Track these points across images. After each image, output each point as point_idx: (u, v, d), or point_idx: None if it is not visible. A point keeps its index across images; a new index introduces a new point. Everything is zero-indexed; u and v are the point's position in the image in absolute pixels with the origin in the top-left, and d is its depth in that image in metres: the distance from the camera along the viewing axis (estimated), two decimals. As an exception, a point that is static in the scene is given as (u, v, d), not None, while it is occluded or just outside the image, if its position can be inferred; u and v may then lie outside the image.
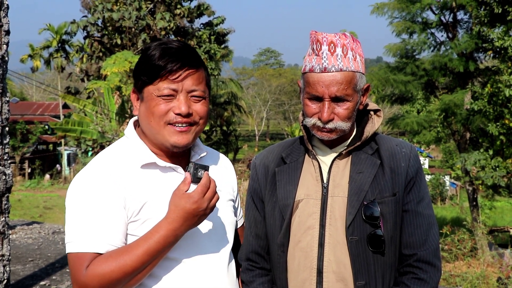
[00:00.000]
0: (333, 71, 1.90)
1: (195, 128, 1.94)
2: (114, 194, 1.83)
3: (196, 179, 1.80)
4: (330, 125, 1.94)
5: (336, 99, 1.92)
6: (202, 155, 2.07)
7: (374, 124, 2.07)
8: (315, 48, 1.94)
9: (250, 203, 2.21)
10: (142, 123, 1.96)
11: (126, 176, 1.88)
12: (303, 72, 2.00)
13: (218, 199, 1.83)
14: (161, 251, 1.78)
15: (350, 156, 2.05)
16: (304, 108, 2.00)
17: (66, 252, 1.81)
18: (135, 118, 2.06)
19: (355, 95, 1.95)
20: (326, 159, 2.07)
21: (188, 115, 1.88)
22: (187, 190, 1.78)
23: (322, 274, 1.96)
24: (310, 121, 1.98)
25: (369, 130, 2.05)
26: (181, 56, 1.87)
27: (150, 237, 1.77)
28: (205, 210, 1.79)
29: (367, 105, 2.12)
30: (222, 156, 2.28)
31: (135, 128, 2.03)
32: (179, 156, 2.00)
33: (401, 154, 2.03)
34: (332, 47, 1.91)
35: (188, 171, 1.81)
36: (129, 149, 1.95)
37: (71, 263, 1.79)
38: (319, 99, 1.94)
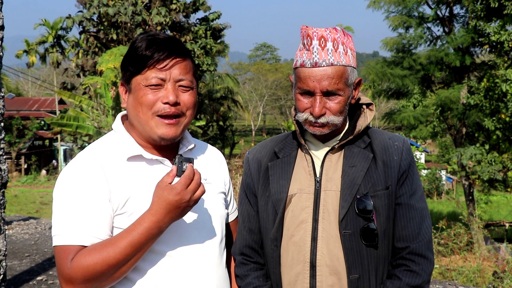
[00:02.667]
0: (324, 66, 1.90)
1: (183, 120, 1.93)
2: (99, 187, 1.83)
3: (181, 172, 1.79)
4: (322, 120, 1.95)
5: (327, 94, 1.93)
6: (190, 147, 2.06)
7: (367, 118, 2.07)
8: (305, 43, 1.94)
9: (243, 198, 2.21)
10: (130, 115, 1.95)
11: (112, 169, 1.87)
12: (294, 67, 2.01)
13: (203, 191, 1.81)
14: (145, 243, 1.77)
15: (343, 150, 2.05)
16: (296, 103, 2.00)
17: (53, 245, 1.82)
18: (123, 112, 2.06)
19: (347, 89, 1.95)
20: (318, 154, 2.07)
21: (176, 104, 1.87)
22: (171, 183, 1.77)
23: (315, 268, 1.96)
24: (302, 116, 1.98)
25: (361, 124, 2.05)
26: (168, 46, 1.87)
27: (134, 229, 1.76)
28: (188, 202, 1.77)
29: (359, 99, 2.12)
30: (212, 148, 2.26)
31: (122, 122, 2.03)
32: (167, 149, 1.99)
33: (394, 147, 2.03)
34: (322, 41, 1.91)
35: (175, 164, 1.80)
36: (116, 142, 1.95)
37: (57, 255, 1.79)
38: (310, 93, 1.94)
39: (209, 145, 2.26)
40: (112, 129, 2.01)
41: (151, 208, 1.77)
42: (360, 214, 1.93)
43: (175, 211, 1.77)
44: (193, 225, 1.96)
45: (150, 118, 1.88)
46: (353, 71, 1.97)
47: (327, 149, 2.06)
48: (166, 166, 1.95)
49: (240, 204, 2.23)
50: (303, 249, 1.98)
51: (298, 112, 2.00)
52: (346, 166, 2.00)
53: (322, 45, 1.91)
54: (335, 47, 1.92)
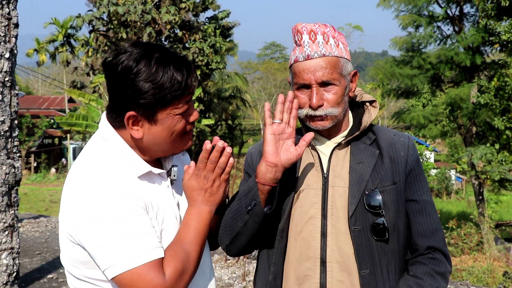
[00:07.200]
0: (316, 57, 1.94)
1: None
2: (138, 202, 1.74)
3: (172, 180, 1.92)
4: (320, 112, 1.96)
5: (323, 84, 1.95)
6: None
7: (371, 115, 2.09)
8: (297, 40, 1.99)
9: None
10: (152, 142, 1.82)
11: (132, 186, 1.78)
12: (289, 66, 2.04)
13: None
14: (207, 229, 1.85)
15: (349, 146, 2.07)
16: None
17: (127, 269, 1.63)
18: (105, 122, 1.87)
19: (342, 79, 1.98)
20: (325, 150, 2.07)
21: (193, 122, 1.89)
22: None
23: (325, 264, 1.96)
24: (302, 112, 1.99)
25: (366, 120, 2.07)
26: (189, 69, 1.81)
27: (190, 222, 1.83)
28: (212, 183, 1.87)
29: (362, 96, 2.15)
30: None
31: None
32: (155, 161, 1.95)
33: (400, 143, 2.06)
34: (312, 35, 1.96)
35: (173, 175, 1.93)
36: (119, 157, 1.81)
37: (140, 278, 1.63)
38: (307, 86, 1.97)
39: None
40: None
41: (193, 205, 1.86)
42: (369, 210, 1.94)
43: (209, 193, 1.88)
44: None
45: (179, 139, 1.85)
46: (347, 63, 2.00)
47: (333, 145, 2.07)
48: (163, 178, 1.91)
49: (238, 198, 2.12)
50: (312, 245, 1.98)
51: (299, 109, 2.01)
52: (354, 163, 2.01)
53: (313, 39, 1.96)
54: (326, 40, 1.96)
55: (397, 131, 2.13)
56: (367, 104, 2.13)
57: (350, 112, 2.15)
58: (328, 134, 2.08)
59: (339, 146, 2.05)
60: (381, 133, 2.09)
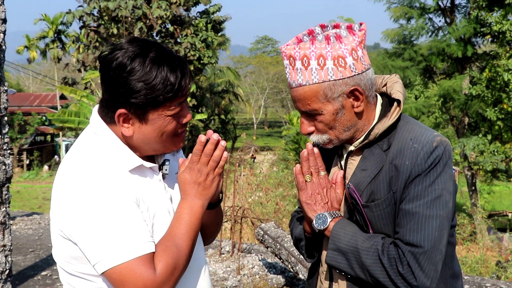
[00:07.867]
0: (294, 87, 1.83)
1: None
2: (128, 196, 1.72)
3: (164, 174, 1.88)
4: (312, 138, 1.90)
5: (307, 114, 1.86)
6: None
7: (389, 118, 1.84)
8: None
9: None
10: (142, 141, 1.81)
11: (127, 180, 1.77)
12: None
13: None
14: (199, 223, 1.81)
15: (364, 151, 1.92)
16: None
17: (118, 263, 1.61)
18: (97, 116, 1.85)
19: (328, 105, 1.80)
20: (344, 156, 1.98)
21: (185, 124, 1.87)
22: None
23: (332, 271, 1.96)
24: None
25: (380, 127, 1.84)
26: (183, 71, 1.78)
27: (182, 217, 1.78)
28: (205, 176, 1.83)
29: (391, 93, 1.93)
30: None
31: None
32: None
33: (410, 150, 1.78)
34: (292, 61, 1.80)
35: (161, 170, 1.88)
36: (110, 151, 1.80)
37: (130, 272, 1.61)
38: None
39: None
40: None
41: (185, 198, 1.81)
42: (353, 206, 1.89)
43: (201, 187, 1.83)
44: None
45: (171, 139, 1.82)
46: (334, 85, 1.76)
47: (349, 151, 1.95)
48: (154, 172, 1.89)
49: None
50: (324, 252, 1.98)
51: None
52: (358, 169, 1.89)
53: (292, 65, 1.80)
54: (305, 65, 1.77)
55: (419, 134, 1.81)
56: (395, 104, 1.87)
57: (376, 109, 1.92)
58: (348, 139, 1.93)
59: (350, 153, 1.92)
60: (398, 136, 1.84)
